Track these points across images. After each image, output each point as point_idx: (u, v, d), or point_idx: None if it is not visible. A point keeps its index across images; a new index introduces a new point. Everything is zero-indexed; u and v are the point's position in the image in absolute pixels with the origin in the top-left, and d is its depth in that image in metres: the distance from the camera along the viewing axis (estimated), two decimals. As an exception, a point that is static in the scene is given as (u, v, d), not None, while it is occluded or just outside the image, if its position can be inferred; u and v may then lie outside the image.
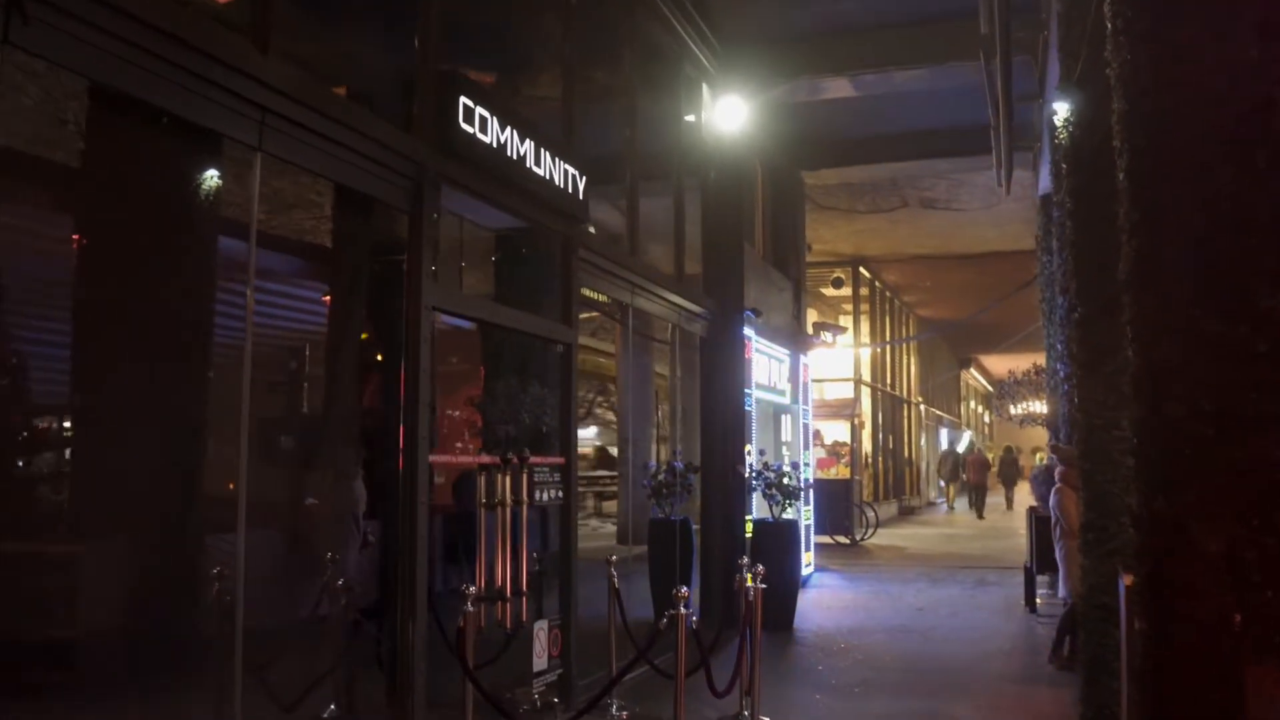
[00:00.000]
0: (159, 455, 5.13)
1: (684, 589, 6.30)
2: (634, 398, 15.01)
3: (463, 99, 6.42)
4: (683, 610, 6.11)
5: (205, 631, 4.92)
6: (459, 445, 8.04)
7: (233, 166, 4.99)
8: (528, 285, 8.52)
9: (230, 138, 4.88)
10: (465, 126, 6.45)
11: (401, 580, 5.98)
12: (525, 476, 7.18)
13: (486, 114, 6.67)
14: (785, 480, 12.17)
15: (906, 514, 29.90)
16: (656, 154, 11.25)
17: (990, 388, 51.64)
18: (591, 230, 10.45)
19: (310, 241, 6.73)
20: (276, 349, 6.36)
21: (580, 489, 12.81)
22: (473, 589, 5.95)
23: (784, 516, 12.28)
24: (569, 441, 8.08)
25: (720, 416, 12.27)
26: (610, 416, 22.94)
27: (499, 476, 6.99)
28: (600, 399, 17.91)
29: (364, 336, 7.51)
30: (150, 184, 5.07)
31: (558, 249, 8.22)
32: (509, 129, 6.95)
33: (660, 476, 11.57)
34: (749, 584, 7.39)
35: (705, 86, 11.99)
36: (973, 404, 55.52)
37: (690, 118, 11.83)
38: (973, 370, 48.62)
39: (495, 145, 6.79)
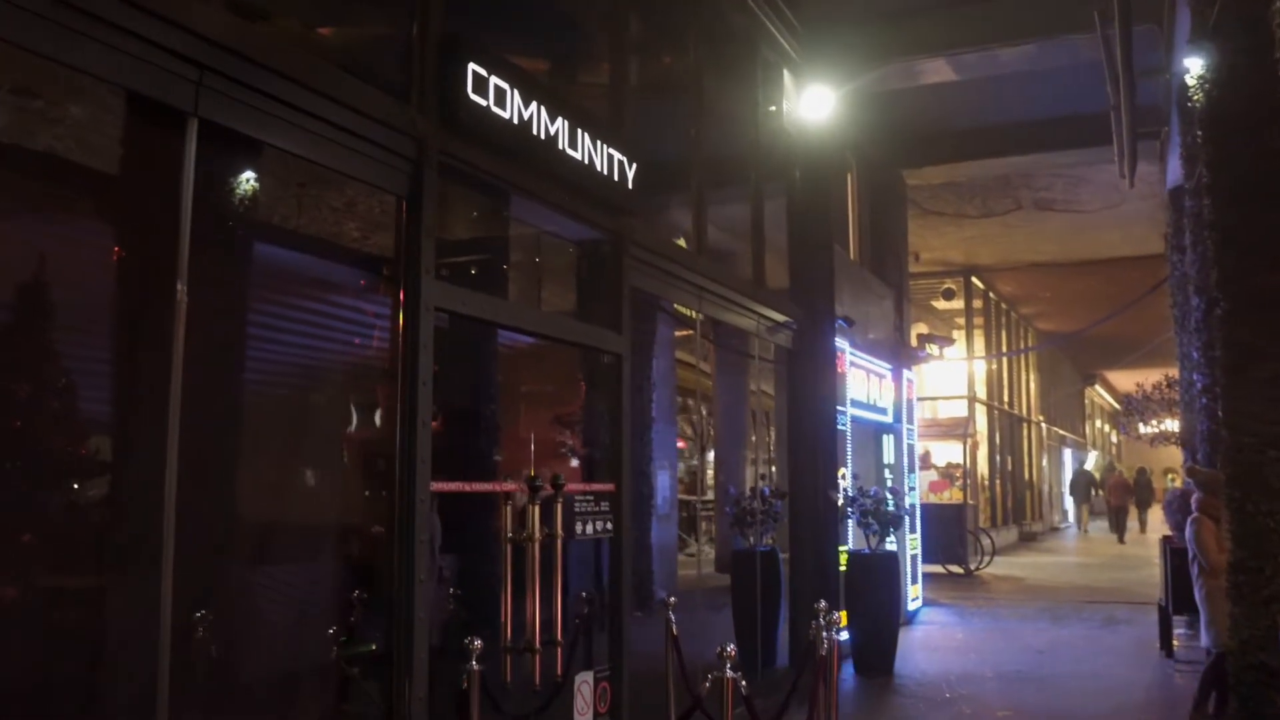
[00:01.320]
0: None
1: (730, 647, 5.24)
2: (725, 417, 14.04)
3: (472, 66, 5.49)
4: (729, 674, 5.04)
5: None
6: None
7: (160, 136, 4.12)
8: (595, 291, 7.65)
9: (154, 100, 4.01)
10: (476, 98, 5.51)
11: (396, 631, 5.04)
12: (560, 506, 6.19)
13: (504, 85, 5.73)
14: (883, 507, 10.97)
15: (1027, 540, 28.10)
16: (731, 147, 10.24)
17: (1116, 405, 49.12)
18: (682, 242, 9.60)
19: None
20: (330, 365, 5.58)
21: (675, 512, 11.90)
22: (479, 641, 4.99)
23: (883, 547, 11.08)
24: (620, 465, 7.07)
25: (809, 437, 11.12)
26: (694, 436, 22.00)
27: (529, 507, 6.01)
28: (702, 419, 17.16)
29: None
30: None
31: (607, 247, 7.24)
32: (534, 104, 6.00)
33: (744, 503, 10.55)
34: (825, 633, 6.24)
35: (787, 73, 10.91)
36: (1099, 423, 52.89)
37: (771, 108, 10.76)
38: (1098, 387, 46.20)
39: (516, 121, 5.84)
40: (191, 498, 4.09)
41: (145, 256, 4.21)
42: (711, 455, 14.87)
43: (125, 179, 4.33)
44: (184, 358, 3.97)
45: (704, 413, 13.65)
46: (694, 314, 9.74)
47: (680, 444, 22.20)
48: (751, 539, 10.25)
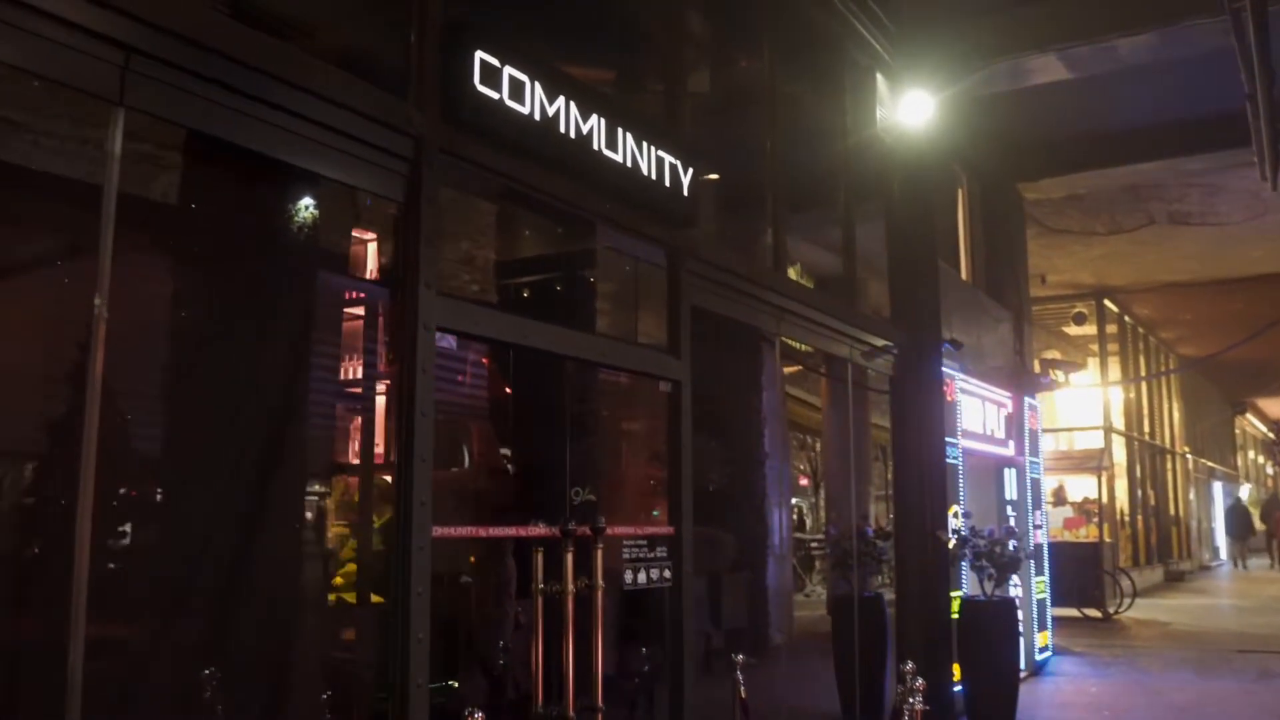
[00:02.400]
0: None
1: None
2: (834, 452, 13.11)
3: (480, 54, 4.86)
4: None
5: None
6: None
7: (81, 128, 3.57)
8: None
9: (73, 87, 3.47)
10: (485, 90, 4.88)
11: (392, 701, 4.37)
12: (600, 553, 5.46)
13: (522, 77, 5.09)
14: (999, 549, 9.94)
15: (1174, 580, 26.17)
16: (817, 158, 9.44)
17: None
18: (794, 272, 8.90)
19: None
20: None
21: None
22: (479, 715, 4.29)
23: (1002, 593, 10.04)
24: (680, 506, 6.31)
25: (915, 471, 10.16)
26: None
27: (564, 554, 5.29)
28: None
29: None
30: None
31: (663, 262, 6.53)
32: (561, 99, 5.34)
33: (844, 544, 9.68)
34: (909, 700, 5.34)
35: (880, 78, 10.07)
36: (1252, 454, 49.76)
37: (863, 114, 9.92)
38: (1249, 416, 43.38)
39: (538, 118, 5.18)
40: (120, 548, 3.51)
41: (61, 268, 3.65)
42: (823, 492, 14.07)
43: (38, 178, 3.80)
44: (101, 383, 3.39)
45: (818, 448, 12.90)
46: (801, 344, 9.00)
47: (802, 480, 21.39)
48: (855, 584, 9.39)
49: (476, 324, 4.96)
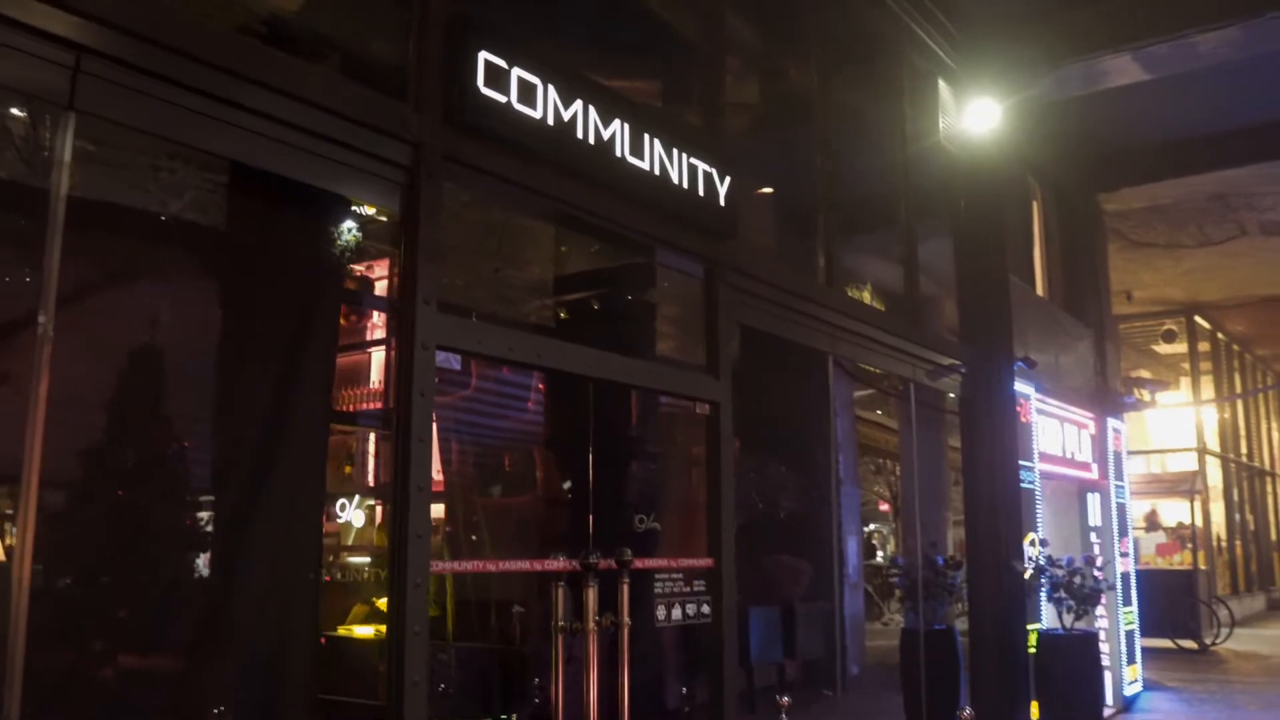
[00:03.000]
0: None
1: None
2: (905, 476, 12.57)
3: (484, 55, 4.55)
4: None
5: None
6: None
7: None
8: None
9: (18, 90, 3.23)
10: (490, 93, 4.57)
11: (387, 752, 4.03)
12: (626, 587, 5.08)
13: (533, 79, 4.77)
14: (1077, 579, 9.35)
15: (1276, 609, 24.90)
16: (875, 167, 9.01)
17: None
18: (865, 295, 8.52)
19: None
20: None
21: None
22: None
23: (1080, 625, 9.43)
24: (719, 535, 5.90)
25: (987, 496, 9.62)
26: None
27: (585, 589, 4.93)
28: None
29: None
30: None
31: (700, 276, 6.16)
32: (579, 102, 5.01)
33: (913, 574, 9.20)
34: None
35: (942, 84, 9.59)
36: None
37: (924, 123, 9.44)
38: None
39: (552, 122, 4.86)
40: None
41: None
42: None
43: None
44: (45, 404, 3.12)
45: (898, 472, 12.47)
46: (865, 364, 8.58)
47: (882, 506, 20.80)
48: (924, 616, 8.90)
49: (482, 342, 4.63)
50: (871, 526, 21.84)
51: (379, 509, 8.29)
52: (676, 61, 6.84)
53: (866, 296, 10.44)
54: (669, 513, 6.87)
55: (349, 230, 4.45)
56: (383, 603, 7.01)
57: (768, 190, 9.20)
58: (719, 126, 6.37)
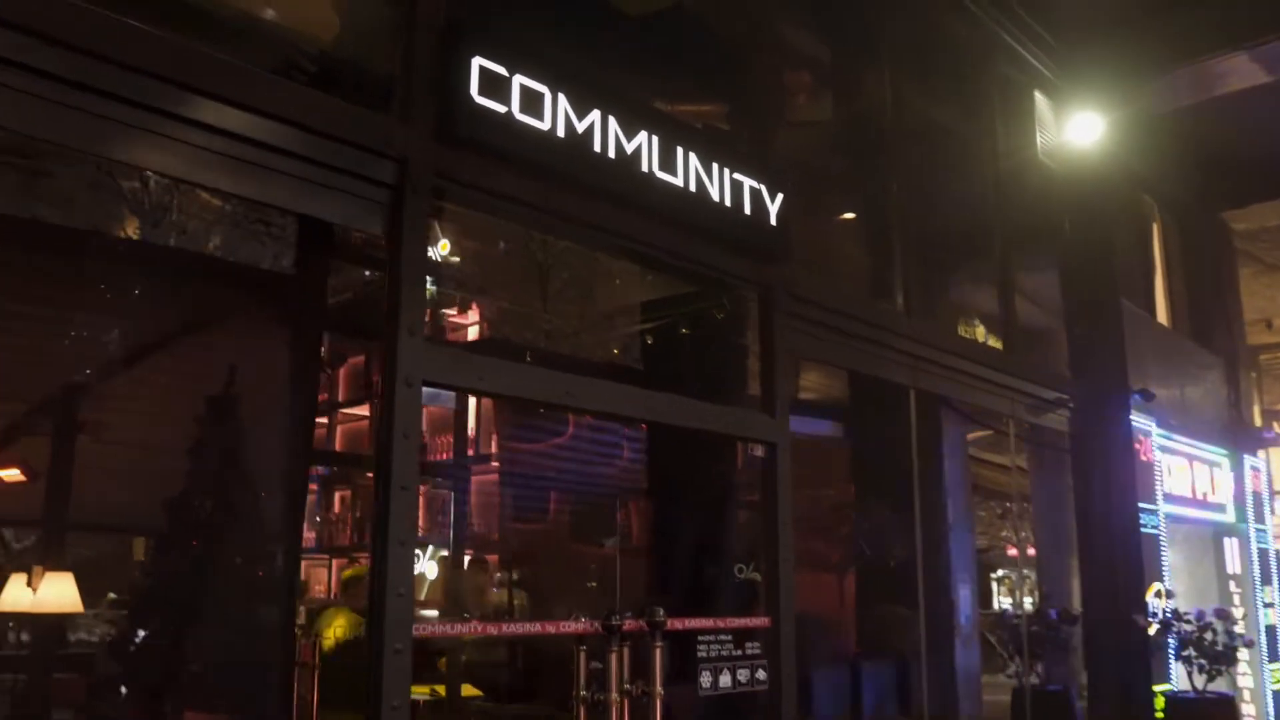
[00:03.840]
0: None
1: None
2: (1045, 525, 11.66)
3: (478, 61, 4.12)
4: None
5: None
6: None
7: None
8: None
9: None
10: (485, 102, 4.13)
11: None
12: (658, 652, 4.51)
13: (539, 87, 4.33)
14: (1209, 635, 8.39)
15: None
16: (963, 188, 8.35)
17: None
18: (979, 332, 7.90)
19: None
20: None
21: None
22: None
23: (1214, 688, 8.47)
24: (778, 591, 5.30)
25: (1103, 543, 8.77)
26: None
27: (610, 654, 4.38)
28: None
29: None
30: None
31: (753, 304, 5.62)
32: (594, 111, 4.54)
33: (1021, 628, 8.44)
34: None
35: (1039, 96, 8.85)
36: None
37: (1019, 139, 8.72)
38: None
39: (562, 134, 4.40)
40: None
41: None
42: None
43: None
44: None
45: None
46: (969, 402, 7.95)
47: (1010, 551, 19.73)
48: (1033, 675, 8.14)
49: (484, 378, 4.15)
50: (1000, 573, 20.85)
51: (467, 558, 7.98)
52: (729, 76, 6.35)
53: (980, 334, 9.74)
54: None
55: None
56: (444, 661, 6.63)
57: (848, 216, 8.65)
58: (768, 138, 5.84)
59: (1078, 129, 8.68)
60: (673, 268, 5.25)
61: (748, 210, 5.29)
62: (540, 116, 4.32)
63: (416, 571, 7.10)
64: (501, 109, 4.17)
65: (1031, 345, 8.96)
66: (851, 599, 8.62)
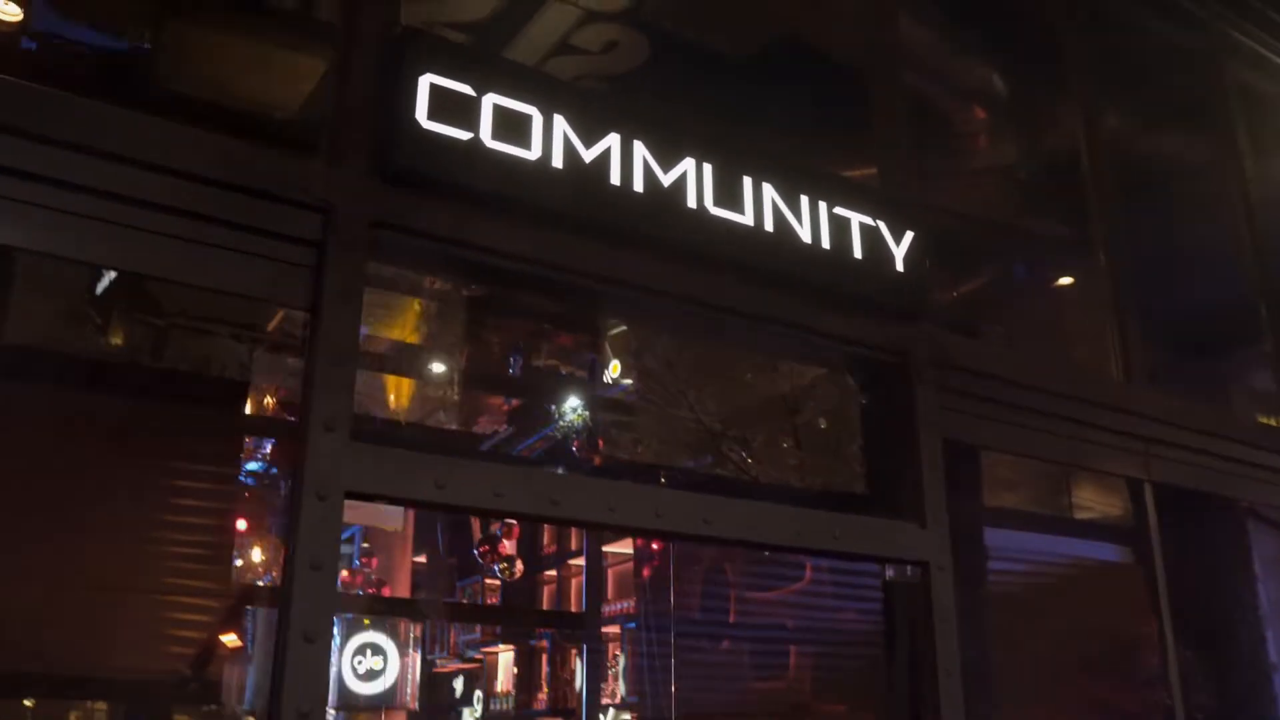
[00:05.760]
0: None
1: None
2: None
3: (428, 79, 3.18)
4: None
5: None
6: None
7: None
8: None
9: None
10: (440, 129, 3.18)
11: None
12: None
13: (524, 108, 3.34)
14: None
15: None
16: (1196, 222, 6.71)
17: None
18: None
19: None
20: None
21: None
22: None
23: None
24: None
25: None
26: None
27: None
28: None
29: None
30: None
31: (893, 377, 4.32)
32: (612, 135, 3.50)
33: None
34: None
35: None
36: None
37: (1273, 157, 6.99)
38: None
39: (560, 164, 3.37)
40: None
41: None
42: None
43: None
44: None
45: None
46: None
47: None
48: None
49: (445, 488, 3.05)
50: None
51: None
52: (855, 109, 5.19)
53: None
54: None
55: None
56: None
57: (1067, 281, 7.15)
58: (893, 165, 4.59)
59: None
60: (749, 334, 4.07)
61: (859, 253, 4.07)
62: (526, 144, 3.32)
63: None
64: (464, 135, 3.21)
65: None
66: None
